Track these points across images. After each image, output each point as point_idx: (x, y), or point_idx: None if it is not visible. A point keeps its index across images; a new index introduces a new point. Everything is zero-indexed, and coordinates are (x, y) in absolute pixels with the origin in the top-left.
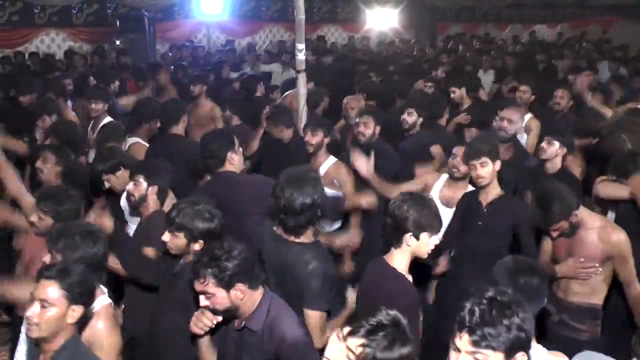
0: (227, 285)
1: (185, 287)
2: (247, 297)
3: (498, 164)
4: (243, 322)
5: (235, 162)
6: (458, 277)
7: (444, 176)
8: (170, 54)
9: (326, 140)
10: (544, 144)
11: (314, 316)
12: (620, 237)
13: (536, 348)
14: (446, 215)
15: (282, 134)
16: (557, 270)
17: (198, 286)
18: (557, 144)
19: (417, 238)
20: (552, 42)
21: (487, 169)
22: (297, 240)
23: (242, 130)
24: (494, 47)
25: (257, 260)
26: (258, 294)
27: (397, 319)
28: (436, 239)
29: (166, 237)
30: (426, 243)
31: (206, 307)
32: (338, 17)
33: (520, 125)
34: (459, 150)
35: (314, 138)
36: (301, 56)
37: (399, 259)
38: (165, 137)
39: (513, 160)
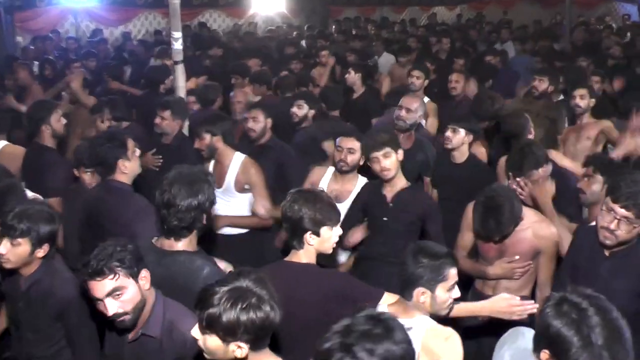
0: (136, 274)
1: (38, 309)
2: (149, 289)
3: (401, 154)
4: (140, 332)
5: (127, 169)
6: (367, 274)
7: (330, 169)
8: (32, 47)
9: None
10: (448, 133)
11: None
12: (552, 232)
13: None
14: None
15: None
16: (489, 273)
17: (107, 285)
18: (462, 131)
19: (318, 234)
20: (452, 24)
21: (390, 160)
22: (179, 247)
23: (135, 131)
24: (392, 31)
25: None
26: (152, 293)
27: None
28: (338, 230)
29: (4, 248)
30: (328, 237)
31: (114, 315)
32: (219, 1)
33: (421, 113)
34: (344, 142)
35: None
36: (178, 45)
37: (305, 259)
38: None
39: (413, 148)
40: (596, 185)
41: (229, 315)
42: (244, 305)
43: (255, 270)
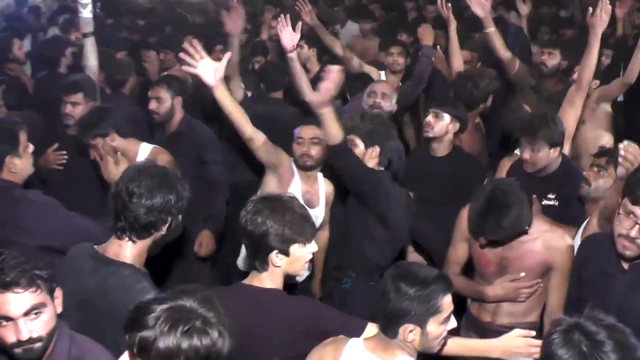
0: (52, 292)
1: None
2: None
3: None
4: None
5: (17, 168)
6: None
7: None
8: None
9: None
10: (430, 119)
11: None
12: (567, 244)
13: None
14: None
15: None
16: (487, 294)
17: (26, 300)
18: (446, 117)
19: (287, 254)
20: None
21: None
22: (126, 257)
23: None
24: None
25: None
26: (58, 322)
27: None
28: (312, 246)
29: None
30: (300, 257)
31: (27, 342)
32: None
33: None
34: (305, 131)
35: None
36: (87, 13)
37: (269, 284)
38: None
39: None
40: (605, 180)
41: (166, 341)
42: (185, 329)
43: (202, 288)
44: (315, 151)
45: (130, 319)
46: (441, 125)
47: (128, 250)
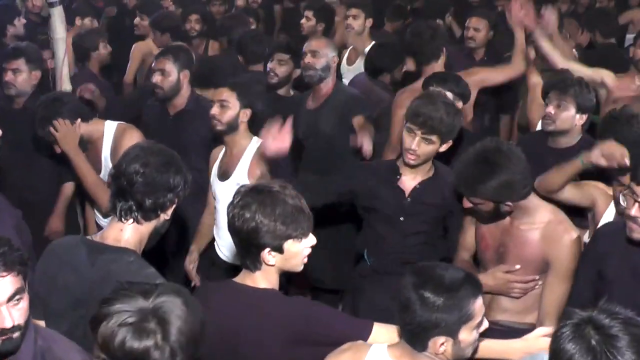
0: (27, 276)
1: None
2: None
3: None
4: None
5: None
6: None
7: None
8: None
9: None
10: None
11: None
12: (571, 239)
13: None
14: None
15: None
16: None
17: (11, 284)
18: (449, 95)
19: (280, 251)
20: None
21: (431, 148)
22: (128, 240)
23: None
24: None
25: None
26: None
27: None
28: (310, 239)
29: None
30: (296, 252)
31: (10, 330)
32: None
33: (333, 55)
34: (217, 94)
35: None
36: None
37: (263, 283)
38: None
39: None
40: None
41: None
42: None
43: (181, 292)
44: (224, 114)
45: (93, 316)
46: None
47: (130, 234)
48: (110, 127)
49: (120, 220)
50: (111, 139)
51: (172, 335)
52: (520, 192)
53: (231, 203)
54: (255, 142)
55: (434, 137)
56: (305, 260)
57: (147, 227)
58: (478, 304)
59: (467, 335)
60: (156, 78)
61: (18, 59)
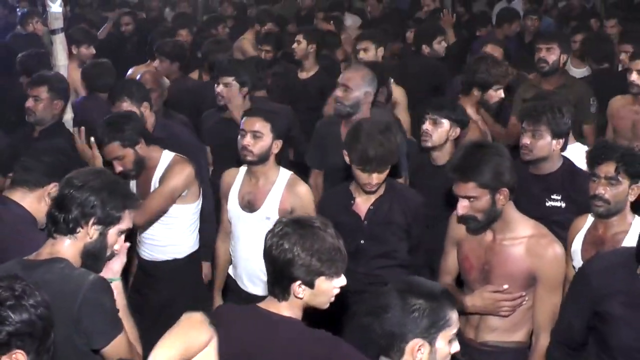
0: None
1: None
2: None
3: None
4: None
5: None
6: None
7: (244, 169)
8: None
9: None
10: (427, 126)
11: (121, 343)
12: (556, 253)
13: None
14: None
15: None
16: (466, 304)
17: None
18: (445, 123)
19: (311, 286)
20: None
21: (386, 172)
22: (62, 253)
23: None
24: None
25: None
26: None
27: None
28: (341, 280)
29: None
30: (325, 290)
31: None
32: None
33: (368, 90)
34: (248, 123)
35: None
36: (56, 8)
37: (287, 313)
38: None
39: None
40: (622, 189)
41: None
42: None
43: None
44: (256, 145)
45: None
46: (440, 132)
47: (63, 247)
48: (166, 157)
49: (51, 236)
50: (164, 168)
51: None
52: (512, 177)
53: (271, 231)
54: (284, 174)
55: (385, 168)
56: (332, 299)
57: (75, 245)
58: (454, 317)
59: (443, 345)
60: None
61: (40, 86)
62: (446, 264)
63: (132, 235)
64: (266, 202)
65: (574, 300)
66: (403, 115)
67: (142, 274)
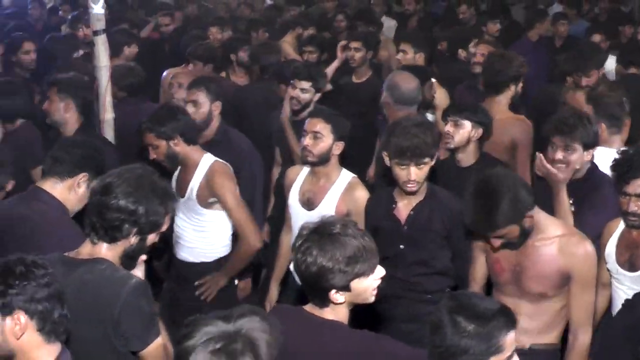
0: (4, 307)
1: None
2: (29, 344)
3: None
4: None
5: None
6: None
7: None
8: None
9: None
10: (449, 128)
11: (156, 350)
12: (587, 251)
13: None
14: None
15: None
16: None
17: None
18: (467, 124)
19: (348, 289)
20: None
21: (425, 169)
22: (101, 253)
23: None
24: None
25: (60, 303)
26: (50, 352)
27: None
28: (379, 272)
29: None
30: (364, 288)
31: None
32: None
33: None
34: (310, 124)
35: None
36: (98, 9)
37: (331, 316)
38: None
39: None
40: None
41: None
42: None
43: (257, 311)
44: (316, 146)
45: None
46: (462, 133)
47: (103, 250)
48: (206, 160)
49: (90, 241)
50: (204, 172)
51: (262, 351)
52: (530, 200)
53: (294, 246)
54: (345, 176)
55: (422, 161)
56: (376, 292)
57: (115, 249)
58: (509, 338)
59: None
60: (189, 109)
61: (51, 88)
62: (475, 271)
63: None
64: (324, 201)
65: (617, 332)
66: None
67: (174, 273)
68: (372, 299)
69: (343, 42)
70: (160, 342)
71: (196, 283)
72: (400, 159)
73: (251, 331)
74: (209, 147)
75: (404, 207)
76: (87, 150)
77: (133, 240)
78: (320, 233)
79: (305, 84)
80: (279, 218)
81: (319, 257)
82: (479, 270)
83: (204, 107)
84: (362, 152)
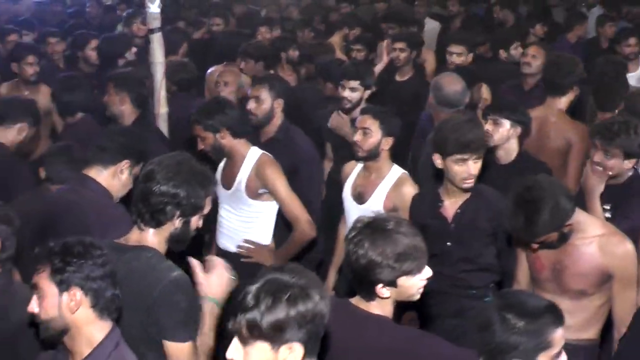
0: (62, 283)
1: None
2: (83, 319)
3: None
4: None
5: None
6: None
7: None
8: None
9: None
10: (488, 126)
11: (184, 351)
12: (627, 249)
13: None
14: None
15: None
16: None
17: (33, 277)
18: (506, 123)
19: (394, 285)
20: None
21: (479, 165)
22: (148, 242)
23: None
24: None
25: (113, 283)
26: (102, 328)
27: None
28: (426, 272)
29: None
30: (410, 286)
31: (37, 318)
32: None
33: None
34: (360, 121)
35: None
36: (154, 8)
37: (377, 311)
38: None
39: None
40: None
41: (274, 314)
42: (287, 298)
43: (287, 265)
44: (366, 142)
45: (228, 311)
46: (501, 132)
47: (150, 237)
48: (253, 154)
49: (138, 228)
50: (251, 165)
51: (315, 301)
52: (571, 208)
53: (346, 237)
54: (395, 172)
55: (481, 154)
56: (422, 290)
57: (161, 234)
58: (558, 334)
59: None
60: (251, 105)
61: (109, 83)
62: (519, 270)
63: (210, 222)
64: (373, 196)
65: None
66: None
67: None
68: (417, 297)
69: (387, 42)
70: (190, 347)
71: (244, 241)
72: (461, 154)
73: (307, 285)
74: (270, 144)
75: (450, 206)
76: (128, 138)
77: (177, 223)
78: (374, 227)
79: (354, 83)
80: (329, 210)
81: (369, 251)
82: (524, 270)
83: (265, 103)
84: (403, 149)
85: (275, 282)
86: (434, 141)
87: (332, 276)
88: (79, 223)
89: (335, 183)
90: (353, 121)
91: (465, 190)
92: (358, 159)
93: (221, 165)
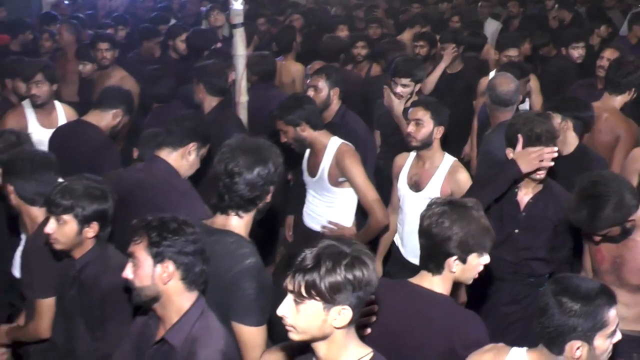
0: (157, 256)
1: (89, 298)
2: (173, 289)
3: None
4: (163, 336)
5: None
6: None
7: (414, 153)
8: (66, 2)
9: None
10: None
11: (250, 334)
12: None
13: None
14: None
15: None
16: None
17: (131, 246)
18: (557, 116)
19: (464, 261)
20: None
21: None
22: (232, 226)
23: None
24: None
25: (202, 259)
26: (189, 298)
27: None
28: (486, 258)
29: (50, 227)
30: (474, 266)
31: (130, 284)
32: None
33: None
34: (412, 113)
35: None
36: (237, 5)
37: (439, 288)
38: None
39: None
40: None
41: (334, 276)
42: (346, 263)
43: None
44: (419, 132)
45: (285, 268)
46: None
47: (234, 223)
48: (333, 143)
49: (225, 214)
50: (332, 155)
51: (369, 270)
52: (635, 204)
53: (428, 209)
54: (448, 160)
55: (555, 144)
56: (477, 275)
57: (250, 216)
58: (612, 314)
59: (601, 342)
60: (309, 93)
61: (194, 78)
62: (586, 259)
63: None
64: (430, 183)
65: None
66: (537, 99)
67: (301, 237)
68: (470, 281)
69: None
70: (256, 330)
71: (328, 222)
72: (533, 146)
73: (364, 254)
74: (327, 128)
75: (523, 195)
76: (193, 122)
77: (269, 197)
78: (457, 204)
79: (405, 80)
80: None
81: (454, 223)
82: (589, 259)
83: (322, 92)
84: (454, 138)
85: (335, 248)
86: (506, 135)
87: (378, 264)
88: (149, 201)
89: (379, 170)
90: (403, 113)
91: (538, 182)
92: (412, 149)
93: (306, 155)
